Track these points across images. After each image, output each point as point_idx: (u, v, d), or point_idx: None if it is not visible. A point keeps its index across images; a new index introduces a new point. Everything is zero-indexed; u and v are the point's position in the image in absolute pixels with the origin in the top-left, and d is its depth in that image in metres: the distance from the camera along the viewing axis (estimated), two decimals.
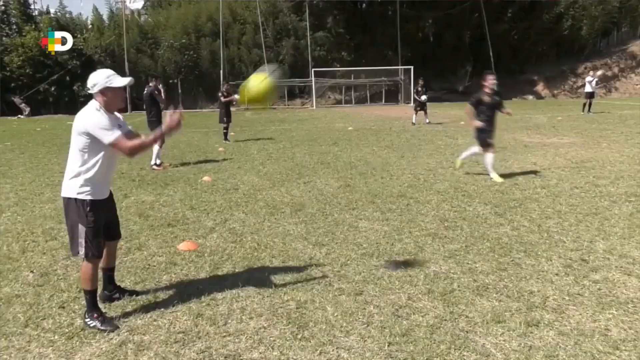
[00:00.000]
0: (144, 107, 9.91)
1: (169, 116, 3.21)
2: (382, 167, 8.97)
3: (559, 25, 37.74)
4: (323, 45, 37.56)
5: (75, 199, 3.15)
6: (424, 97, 17.34)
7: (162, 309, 3.46)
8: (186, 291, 3.76)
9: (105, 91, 3.17)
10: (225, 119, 13.60)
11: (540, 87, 37.65)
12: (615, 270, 3.96)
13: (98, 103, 3.19)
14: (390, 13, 36.47)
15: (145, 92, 9.65)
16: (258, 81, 3.44)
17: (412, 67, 32.07)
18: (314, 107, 33.05)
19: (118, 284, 3.79)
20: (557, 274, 3.91)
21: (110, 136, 3.06)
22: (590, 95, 19.42)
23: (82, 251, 3.18)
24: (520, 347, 2.89)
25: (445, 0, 35.52)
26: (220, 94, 13.85)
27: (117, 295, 3.66)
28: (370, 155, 10.52)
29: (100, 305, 3.37)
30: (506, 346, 2.90)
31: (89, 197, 3.16)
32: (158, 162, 9.50)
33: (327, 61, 37.12)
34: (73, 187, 3.16)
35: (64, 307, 3.55)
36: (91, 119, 3.10)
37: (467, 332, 3.07)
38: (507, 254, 4.38)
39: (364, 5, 38.79)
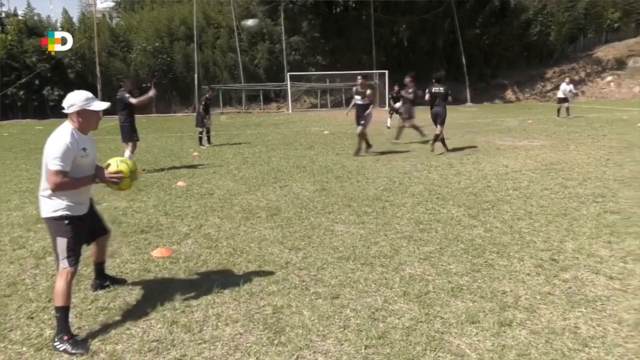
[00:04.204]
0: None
1: (106, 174, 3.27)
2: (357, 170, 9.02)
3: (528, 31, 38.76)
4: (298, 49, 37.66)
5: (53, 217, 3.15)
6: (397, 105, 17.38)
7: (135, 317, 3.40)
8: (160, 298, 3.70)
9: (82, 113, 3.17)
10: (202, 123, 13.47)
11: (511, 91, 38.53)
12: (584, 269, 4.07)
13: (72, 125, 3.18)
14: (364, 17, 36.82)
15: (117, 96, 9.34)
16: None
17: (386, 72, 32.42)
18: (290, 111, 33.04)
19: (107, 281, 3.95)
20: (528, 274, 3.99)
21: (56, 165, 3.02)
22: (563, 100, 19.61)
23: (65, 263, 3.15)
24: (494, 346, 2.94)
25: (419, 5, 36.08)
26: (203, 102, 13.60)
27: (107, 283, 3.88)
28: (346, 159, 10.56)
29: (73, 315, 3.29)
30: (480, 346, 2.95)
31: (65, 213, 3.15)
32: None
33: (303, 65, 37.21)
34: (48, 207, 3.16)
35: (32, 318, 3.45)
36: (58, 141, 3.08)
37: (442, 333, 3.10)
38: (480, 255, 4.46)
39: (338, 9, 39.05)
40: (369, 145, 11.19)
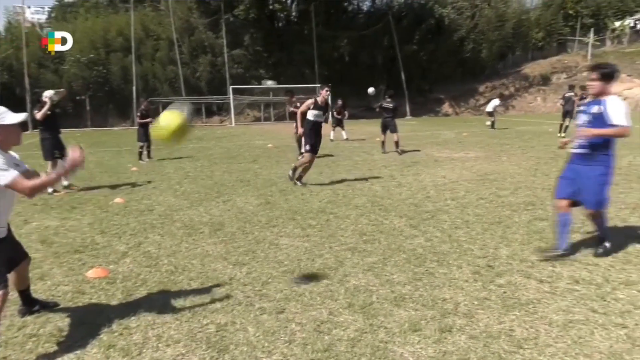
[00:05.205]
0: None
1: (71, 152, 3.01)
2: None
3: (462, 48, 40.79)
4: (240, 62, 37.47)
5: None
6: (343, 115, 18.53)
7: (69, 343, 3.21)
8: (96, 321, 3.51)
9: None
10: (144, 138, 13.12)
11: (447, 105, 40.26)
12: (517, 274, 4.28)
13: None
14: (306, 32, 37.28)
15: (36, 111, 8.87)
16: (170, 120, 3.34)
17: (329, 85, 32.89)
18: (233, 125, 32.72)
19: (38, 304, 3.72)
20: (466, 281, 4.15)
21: (6, 177, 2.83)
22: (491, 114, 21.53)
23: None
24: (436, 353, 3.02)
25: (359, 21, 37.08)
26: (138, 114, 13.43)
27: (37, 308, 3.64)
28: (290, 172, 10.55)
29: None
30: (423, 353, 3.02)
31: None
32: (66, 183, 8.75)
33: (245, 78, 37.04)
34: None
35: None
36: None
37: (386, 342, 3.15)
38: (421, 264, 4.58)
39: (280, 24, 39.33)
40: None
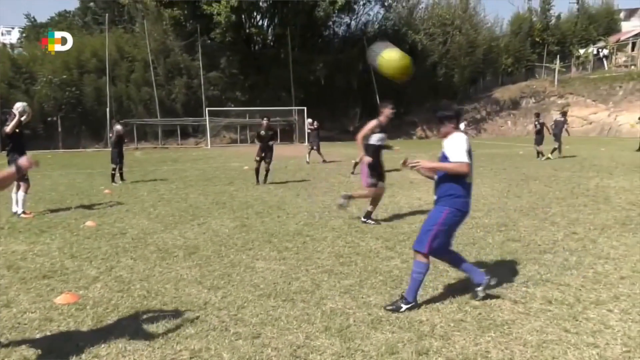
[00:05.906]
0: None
1: (25, 160, 3.03)
2: (278, 205, 9.02)
3: (435, 73, 41.80)
4: (217, 85, 37.47)
5: None
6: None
7: None
8: (64, 349, 3.39)
9: None
10: (117, 159, 12.89)
11: (421, 128, 41.04)
12: (491, 295, 4.32)
13: None
14: (282, 56, 37.65)
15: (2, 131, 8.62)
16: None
17: (305, 108, 33.16)
18: (209, 147, 32.54)
19: None
20: (443, 303, 4.17)
21: None
22: None
23: None
24: None
25: (334, 45, 37.67)
26: (111, 134, 13.30)
27: None
28: (266, 194, 10.54)
29: None
30: None
31: None
32: (20, 210, 8.38)
33: (222, 101, 37.01)
34: None
35: None
36: None
37: None
38: (398, 285, 4.59)
39: (257, 47, 39.67)
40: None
